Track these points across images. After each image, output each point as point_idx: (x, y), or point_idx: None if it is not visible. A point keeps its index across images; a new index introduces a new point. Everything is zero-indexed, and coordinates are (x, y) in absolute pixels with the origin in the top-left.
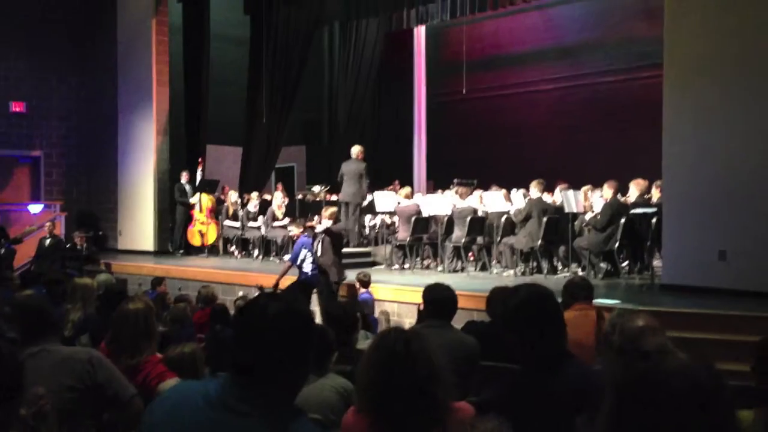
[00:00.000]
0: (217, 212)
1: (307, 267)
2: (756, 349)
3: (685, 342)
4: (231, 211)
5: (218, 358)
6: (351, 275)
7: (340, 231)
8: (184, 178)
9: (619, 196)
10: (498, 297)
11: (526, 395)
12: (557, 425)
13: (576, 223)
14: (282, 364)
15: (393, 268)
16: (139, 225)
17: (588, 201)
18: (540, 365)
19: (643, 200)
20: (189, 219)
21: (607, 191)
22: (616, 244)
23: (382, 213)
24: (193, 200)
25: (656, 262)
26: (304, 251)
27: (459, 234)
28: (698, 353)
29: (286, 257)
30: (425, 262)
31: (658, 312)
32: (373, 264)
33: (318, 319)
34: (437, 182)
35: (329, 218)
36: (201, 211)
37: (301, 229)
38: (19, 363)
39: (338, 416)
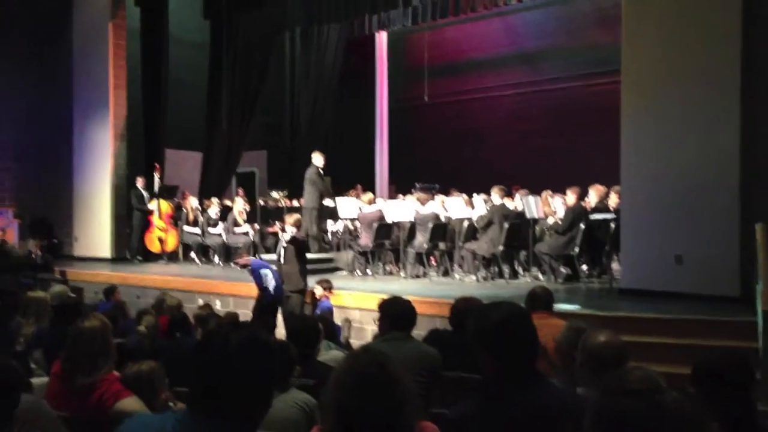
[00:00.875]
0: (176, 218)
1: (270, 284)
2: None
3: (643, 346)
4: (191, 217)
5: (178, 371)
6: (312, 282)
7: (304, 238)
8: (140, 183)
9: None
10: (461, 307)
11: (499, 414)
12: None
13: (537, 228)
14: (243, 396)
15: (355, 274)
16: (96, 231)
17: (548, 206)
18: (514, 384)
19: (602, 205)
20: (147, 225)
21: (570, 197)
22: (576, 249)
23: (344, 219)
24: (151, 206)
25: (615, 266)
26: (264, 272)
27: (421, 240)
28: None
29: None
30: (388, 268)
31: (616, 317)
32: (336, 270)
33: (281, 332)
34: (399, 186)
35: (293, 225)
36: (160, 217)
37: (243, 264)
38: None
39: (302, 430)
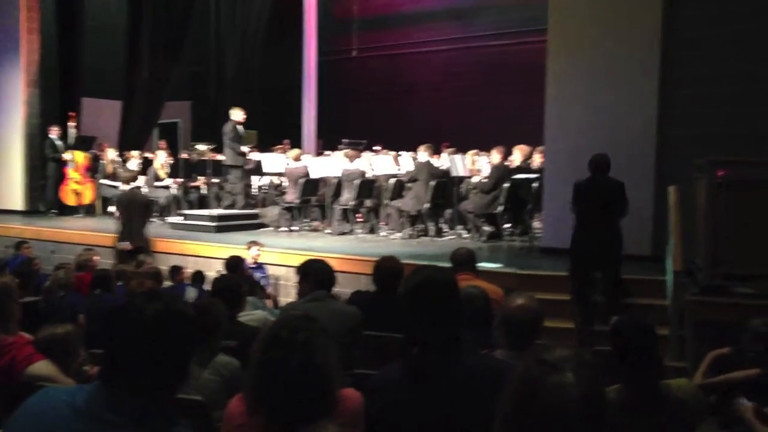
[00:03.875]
0: (93, 170)
1: None
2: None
3: (561, 304)
4: (109, 170)
5: (97, 333)
6: (241, 238)
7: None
8: (54, 133)
9: None
10: (380, 267)
11: (420, 380)
12: (452, 409)
13: (462, 186)
14: (158, 370)
15: (281, 230)
16: (7, 183)
17: (474, 165)
18: (435, 350)
19: (526, 165)
20: (62, 177)
21: (495, 156)
22: (500, 208)
23: (270, 174)
24: (66, 157)
25: (536, 224)
26: None
27: (348, 196)
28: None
29: (169, 219)
30: (313, 224)
31: (536, 275)
32: (261, 226)
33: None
34: (326, 141)
35: (129, 181)
36: (75, 169)
37: None
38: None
39: (220, 396)
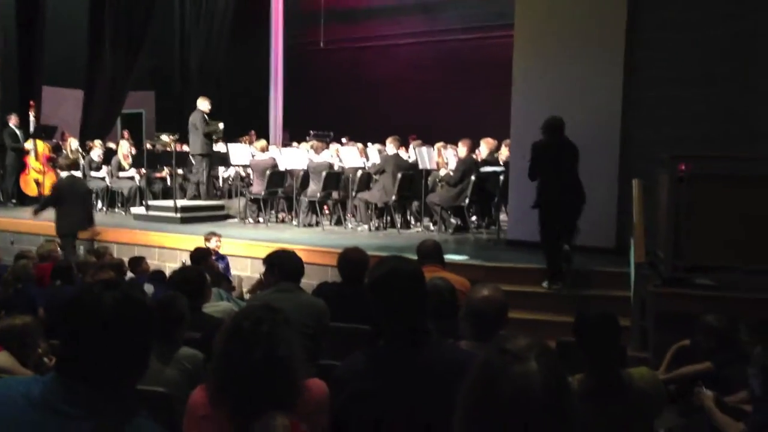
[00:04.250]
0: (54, 160)
1: None
2: (573, 328)
3: (526, 295)
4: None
5: (57, 325)
6: (205, 229)
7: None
8: (12, 121)
9: None
10: (344, 259)
11: (383, 371)
12: (416, 399)
13: (429, 179)
14: (116, 360)
15: (247, 222)
16: None
17: (441, 158)
18: (400, 341)
19: (493, 158)
20: (22, 166)
21: (461, 149)
22: (466, 201)
23: (236, 166)
24: (27, 146)
25: (503, 217)
26: None
27: (314, 188)
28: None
29: (133, 210)
30: (280, 216)
31: (502, 267)
32: (227, 217)
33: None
34: (293, 132)
35: (67, 167)
36: (36, 158)
37: None
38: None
39: (183, 389)
